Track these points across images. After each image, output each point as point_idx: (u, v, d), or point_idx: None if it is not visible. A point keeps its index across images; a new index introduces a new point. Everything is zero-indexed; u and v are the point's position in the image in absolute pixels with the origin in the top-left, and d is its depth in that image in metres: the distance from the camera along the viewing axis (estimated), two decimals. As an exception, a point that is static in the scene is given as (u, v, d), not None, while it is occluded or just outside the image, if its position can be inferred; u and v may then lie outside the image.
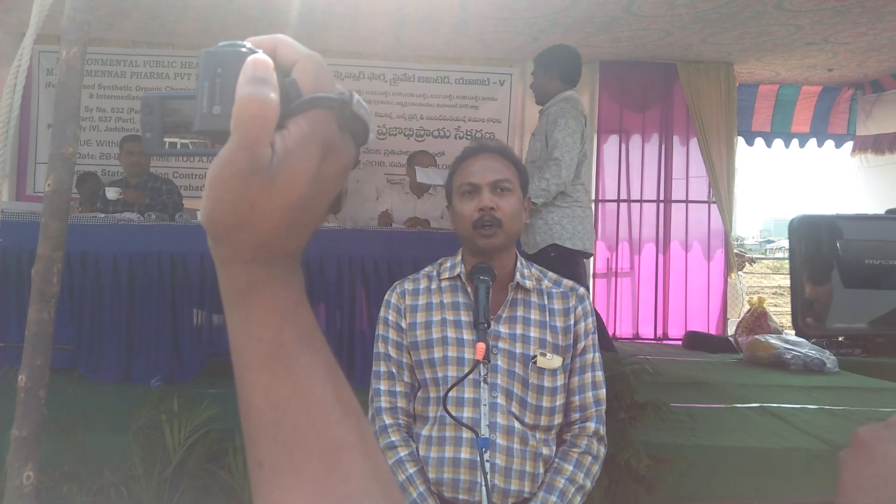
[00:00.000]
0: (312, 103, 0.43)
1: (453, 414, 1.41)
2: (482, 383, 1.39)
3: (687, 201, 7.00)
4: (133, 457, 2.59)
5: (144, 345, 4.04)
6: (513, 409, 1.56)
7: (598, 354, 1.68)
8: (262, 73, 0.41)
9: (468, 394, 1.55)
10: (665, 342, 6.86)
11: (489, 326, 1.42)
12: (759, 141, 7.44)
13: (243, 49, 0.43)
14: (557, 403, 1.61)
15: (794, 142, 7.40)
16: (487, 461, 1.29)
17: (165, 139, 0.49)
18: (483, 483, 1.24)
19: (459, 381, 1.44)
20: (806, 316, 0.56)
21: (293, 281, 0.45)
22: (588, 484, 1.59)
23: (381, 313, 1.70)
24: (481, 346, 1.31)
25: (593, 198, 6.88)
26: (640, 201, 7.02)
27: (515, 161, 1.69)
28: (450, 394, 1.54)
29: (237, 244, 0.43)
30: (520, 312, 1.63)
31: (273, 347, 0.43)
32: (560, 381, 1.61)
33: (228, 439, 2.69)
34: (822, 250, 0.56)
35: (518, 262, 1.68)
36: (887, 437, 0.56)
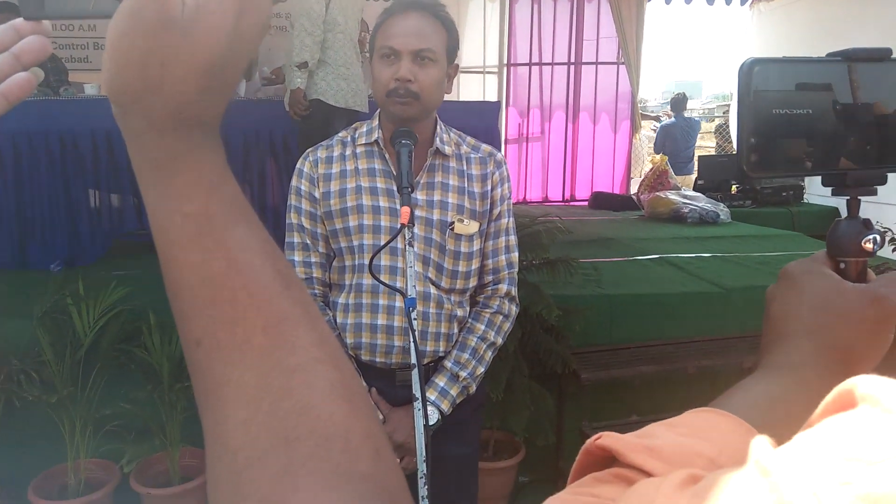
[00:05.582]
0: None
1: (377, 279, 1.41)
2: (408, 246, 1.37)
3: (597, 63, 7.02)
4: (40, 342, 2.51)
5: (38, 229, 3.82)
6: (429, 275, 1.58)
7: (512, 219, 1.70)
8: None
9: (385, 261, 1.55)
10: (573, 203, 7.10)
11: (412, 191, 1.39)
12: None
13: None
14: (473, 268, 1.64)
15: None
16: (414, 319, 1.31)
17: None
18: (413, 341, 1.27)
19: (384, 247, 1.42)
20: (749, 162, 0.57)
21: (215, 152, 0.42)
22: (499, 340, 1.68)
23: (293, 182, 1.63)
24: (406, 210, 1.27)
25: (505, 62, 6.78)
26: (552, 64, 6.98)
27: (447, 23, 1.56)
28: (365, 262, 1.53)
29: (148, 112, 0.39)
30: (438, 178, 1.60)
31: (201, 222, 0.40)
32: (476, 245, 1.63)
33: (142, 318, 2.63)
34: (769, 100, 0.56)
35: (437, 128, 1.62)
36: (814, 269, 0.59)
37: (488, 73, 6.88)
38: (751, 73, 0.56)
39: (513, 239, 1.70)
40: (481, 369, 1.64)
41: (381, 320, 1.57)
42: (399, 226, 1.30)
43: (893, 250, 3.22)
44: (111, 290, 2.69)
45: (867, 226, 0.59)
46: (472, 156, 1.66)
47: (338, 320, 1.62)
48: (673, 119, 8.21)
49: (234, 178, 0.42)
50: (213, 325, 0.39)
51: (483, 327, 1.65)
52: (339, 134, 1.67)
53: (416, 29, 1.51)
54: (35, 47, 0.48)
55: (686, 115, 8.53)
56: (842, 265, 0.59)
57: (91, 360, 2.56)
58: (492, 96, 6.74)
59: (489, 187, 1.64)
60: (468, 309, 1.68)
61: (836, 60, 0.58)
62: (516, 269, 1.72)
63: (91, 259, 3.88)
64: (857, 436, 0.24)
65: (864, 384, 0.26)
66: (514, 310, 1.71)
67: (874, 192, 0.60)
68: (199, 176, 0.40)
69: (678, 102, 8.22)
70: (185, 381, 2.49)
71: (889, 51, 0.58)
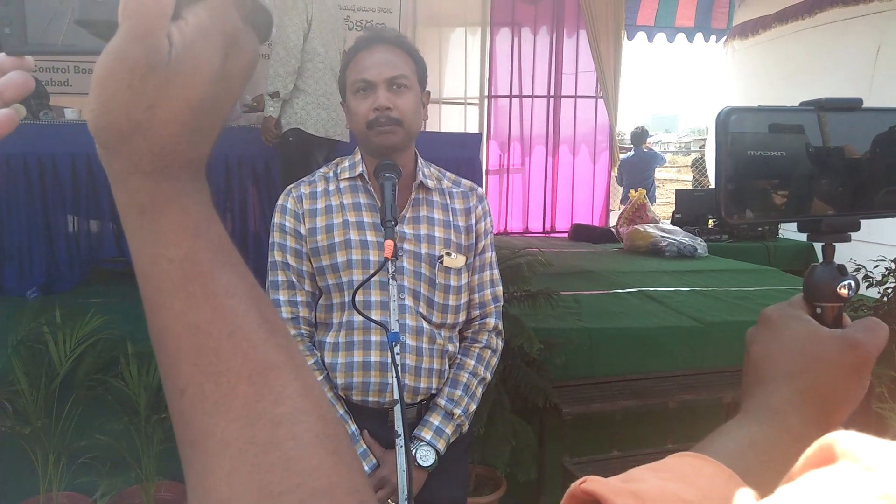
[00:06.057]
0: None
1: (360, 312, 1.39)
2: (391, 280, 1.37)
3: (576, 97, 7.14)
4: (15, 371, 2.46)
5: (15, 255, 3.76)
6: (420, 310, 1.57)
7: (494, 253, 1.71)
8: None
9: (375, 297, 1.54)
10: (553, 235, 7.15)
11: (396, 224, 1.39)
12: (641, 35, 7.49)
13: None
14: (462, 301, 1.64)
15: (681, 36, 7.52)
16: (398, 353, 1.30)
17: (29, 34, 0.43)
18: (395, 375, 1.25)
19: (367, 281, 1.41)
20: (727, 207, 0.58)
21: (201, 194, 0.41)
22: (488, 376, 1.67)
23: (276, 220, 1.60)
24: (389, 243, 1.27)
25: (486, 94, 6.87)
26: (532, 97, 7.07)
27: (413, 53, 1.59)
28: (356, 297, 1.51)
29: (134, 153, 0.38)
30: (423, 212, 1.61)
31: (186, 267, 0.39)
32: (464, 279, 1.63)
33: (119, 348, 2.60)
34: (744, 144, 0.58)
35: (418, 162, 1.63)
36: (791, 313, 0.60)
37: (469, 104, 6.96)
38: (727, 121, 0.58)
39: (496, 273, 1.71)
40: (473, 406, 1.63)
41: (375, 357, 1.54)
42: (384, 259, 1.30)
43: (868, 287, 3.28)
44: (88, 318, 2.65)
45: (842, 272, 0.60)
46: (454, 190, 1.67)
47: (326, 360, 1.58)
48: (631, 153, 8.41)
49: (220, 221, 0.42)
50: (198, 373, 0.39)
51: (473, 363, 1.65)
52: (321, 169, 1.66)
53: (386, 59, 1.54)
54: (17, 83, 0.47)
55: (656, 148, 8.74)
56: (818, 310, 0.61)
57: (66, 391, 2.52)
58: (473, 127, 6.82)
59: (473, 221, 1.66)
60: (457, 344, 1.67)
61: (809, 110, 0.60)
62: (501, 303, 1.73)
63: (68, 286, 3.83)
64: (838, 493, 0.25)
65: (843, 440, 0.27)
66: (501, 344, 1.72)
67: (848, 239, 0.62)
68: (186, 220, 0.40)
69: (637, 136, 8.49)
70: (163, 412, 2.45)
71: (859, 101, 0.60)
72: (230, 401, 0.38)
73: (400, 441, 1.30)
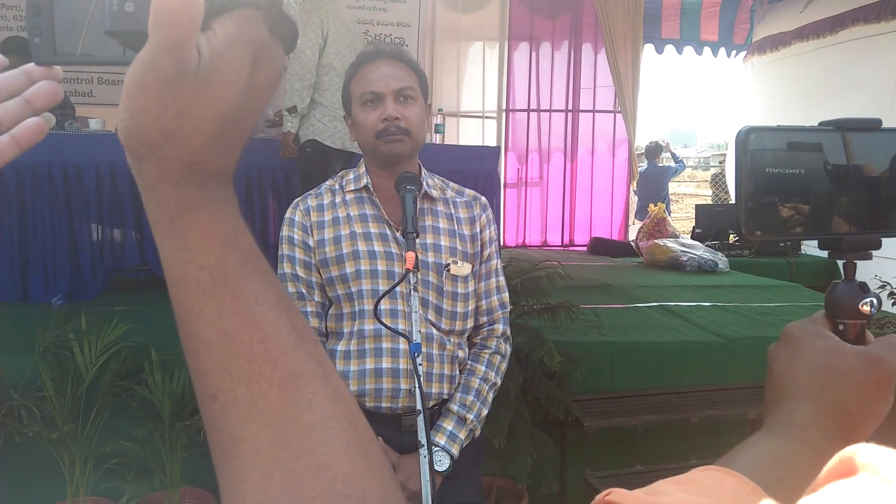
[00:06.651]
0: (239, 1, 0.39)
1: (382, 323, 1.42)
2: (413, 291, 1.40)
3: (594, 111, 7.13)
4: (42, 377, 2.51)
5: (40, 262, 3.82)
6: (429, 317, 1.60)
7: (499, 260, 1.75)
8: None
9: (384, 305, 1.57)
10: (571, 248, 7.13)
11: (417, 236, 1.42)
12: (670, 48, 7.49)
13: None
14: (470, 308, 1.67)
15: (707, 50, 7.51)
16: (420, 364, 1.32)
17: (58, 45, 0.43)
18: (418, 387, 1.27)
19: (390, 291, 1.44)
20: (748, 224, 0.59)
21: (229, 202, 0.42)
22: (498, 381, 1.70)
23: (285, 232, 1.64)
24: (411, 255, 1.30)
25: (504, 107, 6.89)
26: (550, 111, 7.08)
27: (415, 66, 1.64)
28: (365, 307, 1.55)
29: (164, 162, 0.38)
30: (429, 222, 1.64)
31: (216, 275, 0.39)
32: (471, 286, 1.67)
33: (143, 355, 2.63)
34: (763, 161, 0.59)
35: (422, 172, 1.67)
36: (813, 330, 0.61)
37: (487, 117, 6.97)
38: (747, 140, 0.58)
39: (502, 280, 1.74)
40: (485, 411, 1.66)
41: (387, 364, 1.57)
42: (402, 270, 1.34)
43: (893, 304, 3.24)
44: (113, 326, 2.69)
45: (864, 289, 0.61)
46: (458, 199, 1.70)
47: (338, 368, 1.60)
48: (645, 166, 8.42)
49: (248, 229, 0.42)
50: (230, 379, 0.39)
51: (484, 368, 1.67)
52: (327, 182, 1.70)
53: (392, 72, 1.59)
54: (46, 92, 0.48)
55: (675, 161, 8.84)
56: (840, 327, 0.61)
57: (92, 397, 2.55)
58: (491, 141, 6.81)
59: (478, 229, 1.69)
60: (467, 350, 1.70)
61: (829, 130, 0.60)
62: (509, 309, 1.75)
63: (92, 294, 3.88)
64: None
65: (863, 452, 0.27)
66: (509, 349, 1.75)
67: (869, 257, 0.62)
68: (215, 228, 0.40)
69: (651, 151, 8.59)
70: (187, 419, 2.48)
71: (878, 121, 0.61)
72: (262, 406, 0.39)
73: (423, 451, 1.31)
